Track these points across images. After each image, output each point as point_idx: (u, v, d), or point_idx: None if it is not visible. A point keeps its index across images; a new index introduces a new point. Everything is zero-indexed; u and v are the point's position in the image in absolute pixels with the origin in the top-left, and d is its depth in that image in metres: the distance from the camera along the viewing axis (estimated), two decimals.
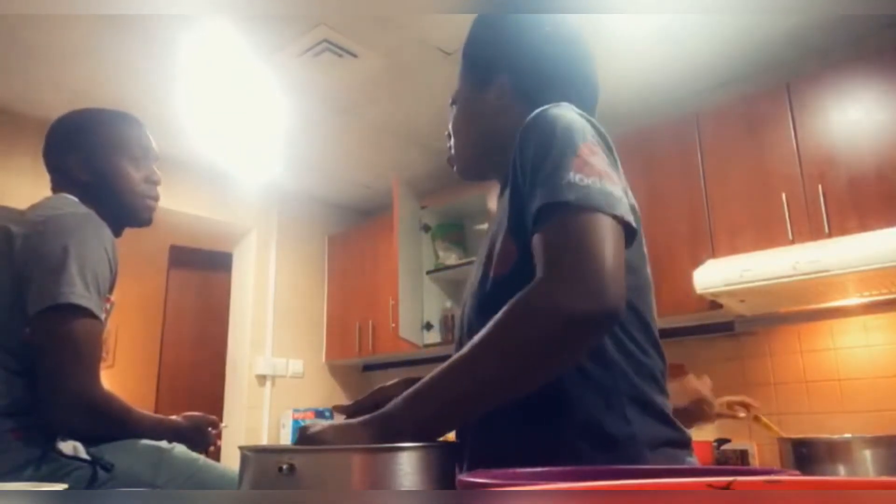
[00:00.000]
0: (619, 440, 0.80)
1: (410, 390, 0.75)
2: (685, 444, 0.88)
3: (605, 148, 0.83)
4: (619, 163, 0.84)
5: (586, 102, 0.98)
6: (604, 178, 0.76)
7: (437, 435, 0.75)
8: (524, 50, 0.97)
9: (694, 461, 0.88)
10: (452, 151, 1.06)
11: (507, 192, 0.92)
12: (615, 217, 0.74)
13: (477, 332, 0.75)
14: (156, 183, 1.40)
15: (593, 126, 0.85)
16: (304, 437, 0.72)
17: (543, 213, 0.76)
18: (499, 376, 0.72)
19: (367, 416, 0.75)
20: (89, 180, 1.32)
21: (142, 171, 1.37)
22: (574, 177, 0.75)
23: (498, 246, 0.89)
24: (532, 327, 0.70)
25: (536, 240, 0.76)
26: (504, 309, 0.72)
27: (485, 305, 0.88)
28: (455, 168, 1.07)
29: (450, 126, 1.06)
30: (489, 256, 0.91)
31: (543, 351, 0.71)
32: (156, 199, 1.40)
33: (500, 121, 0.99)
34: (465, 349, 0.73)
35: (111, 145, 1.34)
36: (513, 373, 0.72)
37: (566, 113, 0.83)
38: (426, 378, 0.75)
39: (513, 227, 0.86)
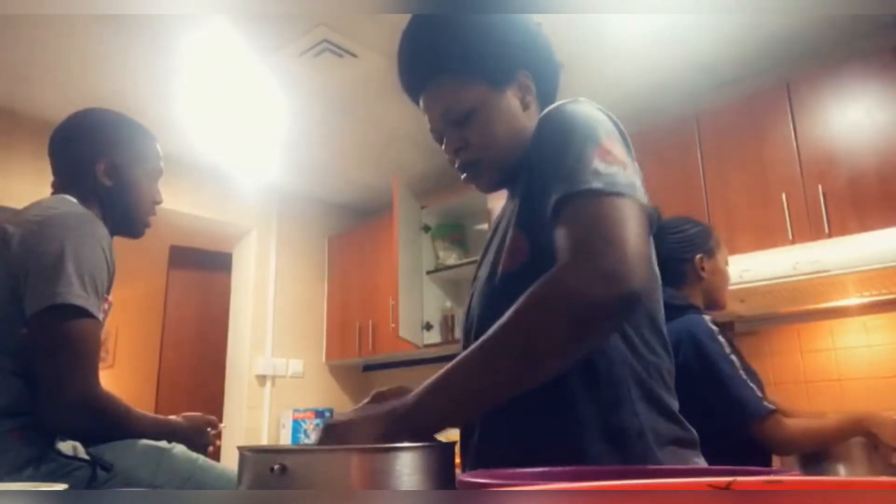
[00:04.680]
0: (629, 434, 0.80)
1: (431, 380, 0.74)
2: (693, 443, 0.87)
3: (623, 142, 0.83)
4: (634, 156, 0.84)
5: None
6: (627, 168, 0.77)
7: (458, 423, 0.76)
8: (537, 41, 0.97)
9: (701, 462, 0.87)
10: (480, 167, 0.95)
11: (518, 189, 0.92)
12: (640, 203, 0.74)
13: (486, 325, 0.74)
14: (158, 203, 1.43)
15: (611, 119, 0.85)
16: (324, 428, 0.73)
17: (567, 201, 0.74)
18: (520, 361, 0.70)
19: (388, 406, 0.74)
20: (111, 186, 1.33)
21: (153, 188, 1.41)
22: (599, 165, 0.75)
23: (508, 241, 0.88)
24: (553, 311, 0.69)
25: (559, 229, 0.74)
26: (526, 294, 0.71)
27: (493, 300, 0.88)
28: (484, 185, 0.97)
29: (467, 139, 0.94)
30: (499, 252, 0.90)
31: (565, 335, 0.69)
32: (153, 216, 1.44)
33: (526, 118, 0.95)
34: (486, 337, 0.72)
35: (137, 157, 1.37)
36: (535, 357, 0.70)
37: (585, 107, 0.84)
38: (444, 369, 0.74)
39: (523, 222, 0.86)
